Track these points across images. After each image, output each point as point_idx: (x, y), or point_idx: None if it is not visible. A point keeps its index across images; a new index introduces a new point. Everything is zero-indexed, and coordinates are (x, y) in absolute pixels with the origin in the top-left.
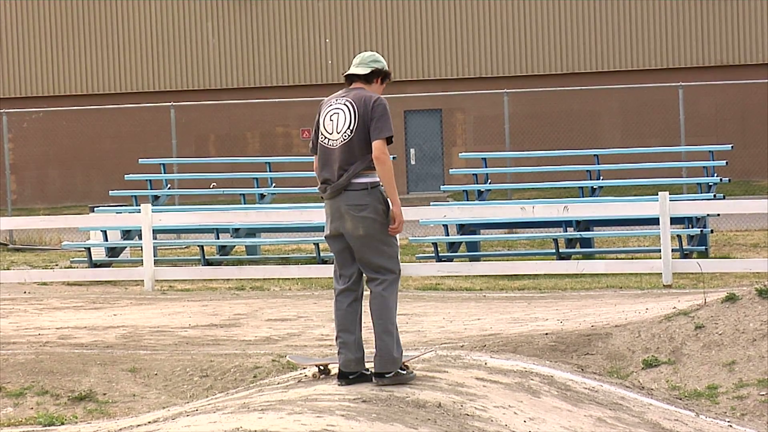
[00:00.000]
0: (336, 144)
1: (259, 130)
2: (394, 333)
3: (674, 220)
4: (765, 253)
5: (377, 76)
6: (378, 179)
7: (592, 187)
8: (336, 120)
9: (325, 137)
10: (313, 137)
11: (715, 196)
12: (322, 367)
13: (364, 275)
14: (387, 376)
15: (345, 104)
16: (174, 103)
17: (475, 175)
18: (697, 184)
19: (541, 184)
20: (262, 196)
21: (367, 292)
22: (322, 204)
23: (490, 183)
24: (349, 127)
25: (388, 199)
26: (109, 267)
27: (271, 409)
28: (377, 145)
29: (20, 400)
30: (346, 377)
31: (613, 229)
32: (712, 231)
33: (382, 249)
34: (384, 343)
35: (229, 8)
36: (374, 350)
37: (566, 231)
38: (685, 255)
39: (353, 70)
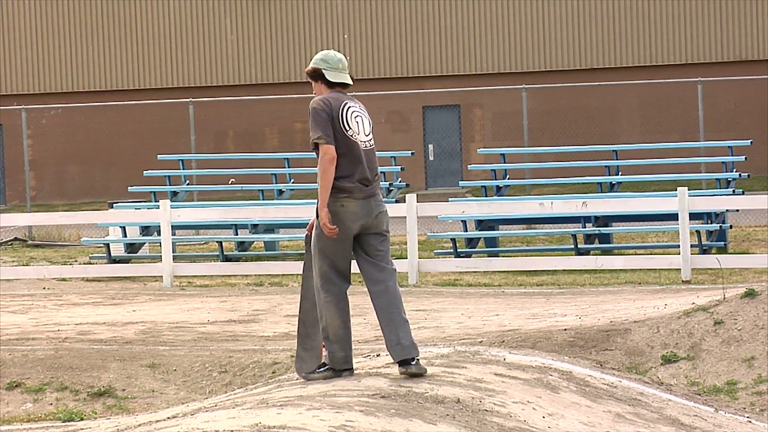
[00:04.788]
0: (366, 146)
1: (278, 126)
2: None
3: (693, 216)
4: None
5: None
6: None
7: (610, 182)
8: (361, 123)
9: (355, 137)
10: (327, 130)
11: (734, 191)
12: None
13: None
14: (413, 363)
15: (362, 110)
16: (193, 99)
17: (494, 170)
18: (716, 179)
19: (560, 180)
20: (280, 192)
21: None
22: None
23: (508, 179)
24: (370, 135)
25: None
26: (128, 263)
27: (290, 405)
28: None
29: (40, 396)
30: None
31: (631, 224)
32: (731, 226)
33: (389, 241)
34: (404, 329)
35: (247, 4)
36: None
37: (585, 227)
38: (704, 250)
39: (346, 80)
